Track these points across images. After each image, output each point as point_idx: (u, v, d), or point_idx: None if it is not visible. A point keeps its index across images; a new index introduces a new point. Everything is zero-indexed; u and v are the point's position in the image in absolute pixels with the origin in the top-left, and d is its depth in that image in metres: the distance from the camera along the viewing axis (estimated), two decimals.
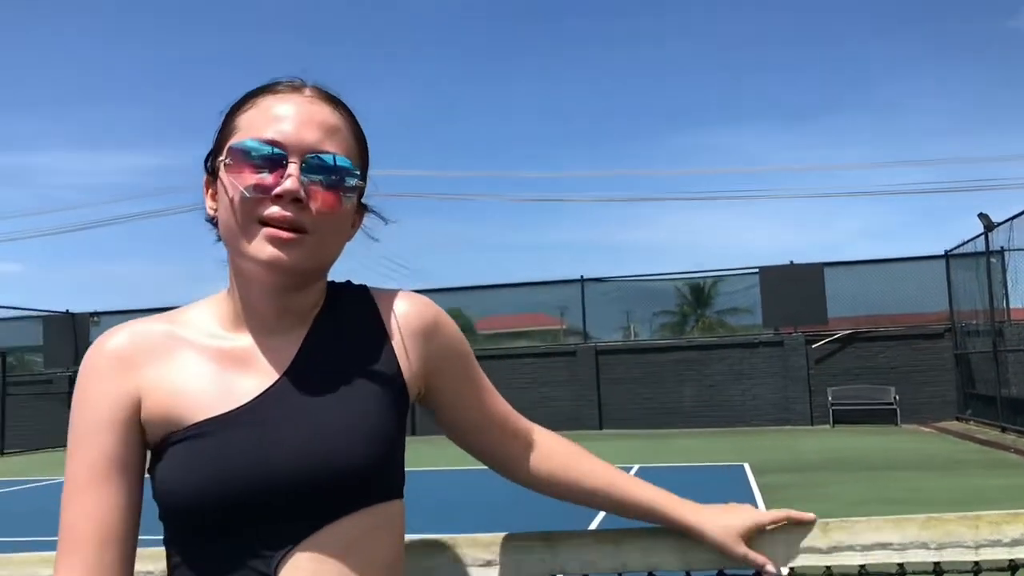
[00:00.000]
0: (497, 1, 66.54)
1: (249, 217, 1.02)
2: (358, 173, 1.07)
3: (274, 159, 1.01)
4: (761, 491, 9.75)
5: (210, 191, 1.11)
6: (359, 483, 1.02)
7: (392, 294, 1.17)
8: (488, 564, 1.27)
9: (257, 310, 1.08)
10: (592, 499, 1.24)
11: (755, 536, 1.24)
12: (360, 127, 1.12)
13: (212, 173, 1.09)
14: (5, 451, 21.70)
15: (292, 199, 1.00)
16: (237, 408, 1.03)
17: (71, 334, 24.19)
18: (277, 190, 1.00)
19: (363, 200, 1.13)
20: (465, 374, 1.20)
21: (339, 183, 1.04)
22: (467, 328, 25.18)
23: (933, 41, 50.27)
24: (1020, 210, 15.24)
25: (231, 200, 1.03)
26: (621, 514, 1.26)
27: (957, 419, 18.38)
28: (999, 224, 16.25)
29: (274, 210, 1.00)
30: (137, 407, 1.04)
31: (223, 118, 1.10)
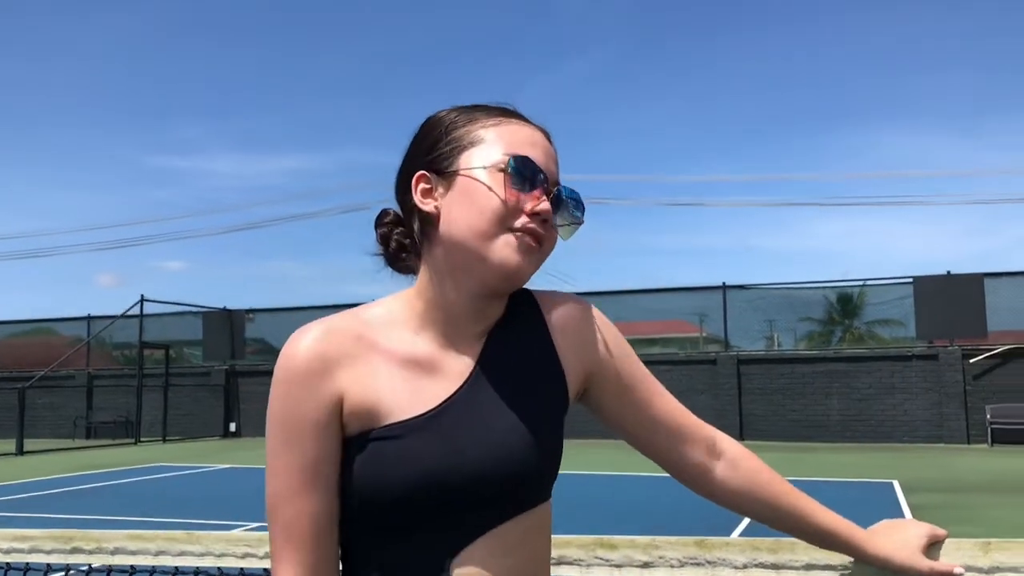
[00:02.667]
0: (643, 3, 66.11)
1: (502, 225, 1.07)
2: (585, 207, 1.16)
3: (538, 180, 1.10)
4: (912, 510, 9.37)
5: (420, 188, 1.13)
6: (535, 488, 1.09)
7: (552, 296, 1.22)
8: (645, 566, 1.32)
9: (454, 312, 1.12)
10: (775, 519, 1.23)
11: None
12: None
13: (438, 173, 1.12)
14: (167, 438, 23.12)
15: (543, 219, 1.09)
16: (427, 412, 1.07)
17: (228, 329, 25.52)
18: (538, 208, 1.08)
19: None
20: (625, 374, 1.21)
21: (578, 214, 1.14)
22: None
23: None
24: None
25: (488, 205, 1.08)
26: (799, 537, 1.26)
27: None
28: None
29: (529, 224, 1.08)
30: (339, 408, 1.07)
31: (450, 122, 1.14)
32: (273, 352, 26.67)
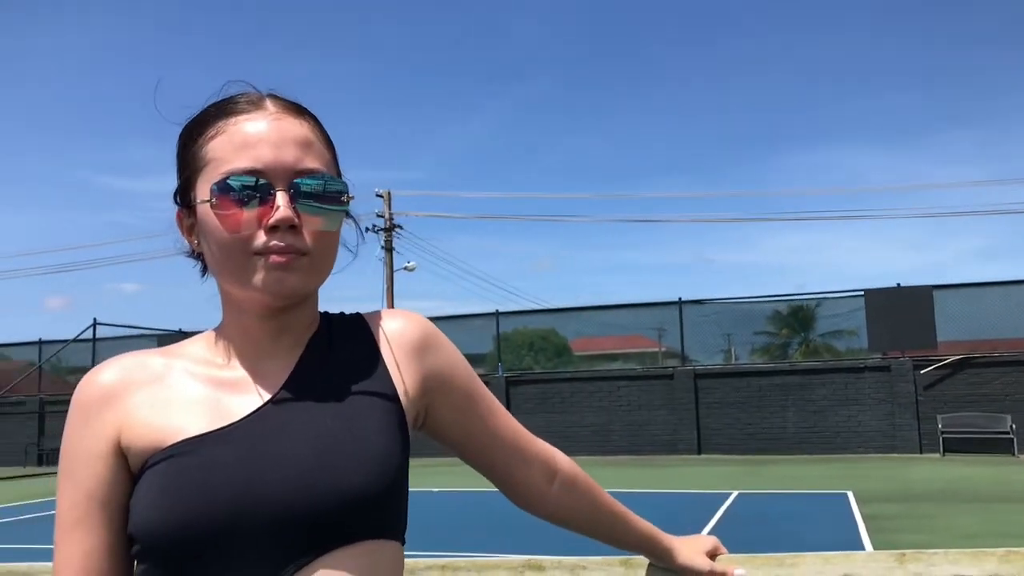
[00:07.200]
0: (599, 26, 66.80)
1: (243, 252, 0.98)
2: (346, 186, 1.03)
3: (260, 190, 0.97)
4: (865, 521, 9.46)
5: (186, 225, 1.07)
6: (365, 508, 0.95)
7: (381, 313, 1.14)
8: None
9: (252, 335, 1.05)
10: (598, 530, 1.26)
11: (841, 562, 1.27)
12: (323, 127, 1.07)
13: (187, 206, 1.04)
14: None
15: (287, 227, 0.98)
16: (223, 427, 0.97)
17: None
18: (270, 222, 0.97)
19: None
20: (466, 393, 1.15)
21: (331, 202, 1.01)
22: (562, 349, 25.20)
23: None
24: None
25: (221, 238, 0.99)
26: (618, 546, 1.29)
27: None
28: None
29: (270, 242, 0.97)
30: (118, 438, 0.99)
31: (182, 143, 1.05)
32: None
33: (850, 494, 11.86)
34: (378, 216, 33.30)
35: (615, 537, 1.28)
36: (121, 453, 0.99)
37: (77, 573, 0.97)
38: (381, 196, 33.74)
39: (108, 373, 1.03)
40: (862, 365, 19.74)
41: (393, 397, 1.05)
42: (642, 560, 1.34)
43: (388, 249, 33.22)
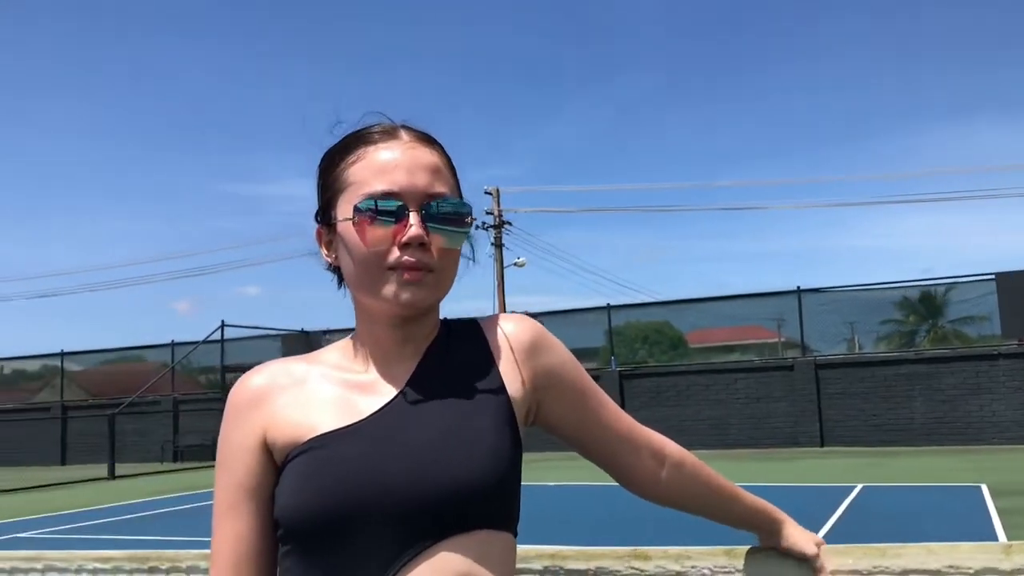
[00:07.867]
0: (700, 16, 65.67)
1: (378, 266, 1.09)
2: (470, 209, 1.15)
3: (396, 211, 1.09)
4: (1000, 515, 9.04)
5: (324, 240, 1.19)
6: (479, 499, 1.04)
7: (495, 317, 1.23)
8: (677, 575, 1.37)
9: (381, 342, 1.16)
10: (710, 509, 1.31)
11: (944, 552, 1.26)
12: (449, 156, 1.19)
13: (327, 224, 1.17)
14: None
15: (417, 244, 1.09)
16: (353, 423, 1.09)
17: (305, 351, 25.60)
18: (404, 239, 1.08)
19: None
20: (576, 389, 1.23)
21: (457, 223, 1.12)
22: (677, 342, 24.92)
23: None
24: None
25: (359, 253, 1.10)
26: (731, 522, 1.32)
27: None
28: None
29: (403, 258, 1.08)
30: (263, 436, 1.13)
31: (323, 167, 1.18)
32: None
33: (984, 487, 11.35)
34: (487, 213, 33.58)
35: (728, 515, 1.32)
36: (267, 448, 1.13)
37: (230, 553, 1.12)
38: (490, 193, 34.00)
39: (257, 378, 1.18)
40: (995, 352, 18.81)
41: (505, 395, 1.15)
42: (743, 549, 1.36)
43: (498, 246, 33.50)
